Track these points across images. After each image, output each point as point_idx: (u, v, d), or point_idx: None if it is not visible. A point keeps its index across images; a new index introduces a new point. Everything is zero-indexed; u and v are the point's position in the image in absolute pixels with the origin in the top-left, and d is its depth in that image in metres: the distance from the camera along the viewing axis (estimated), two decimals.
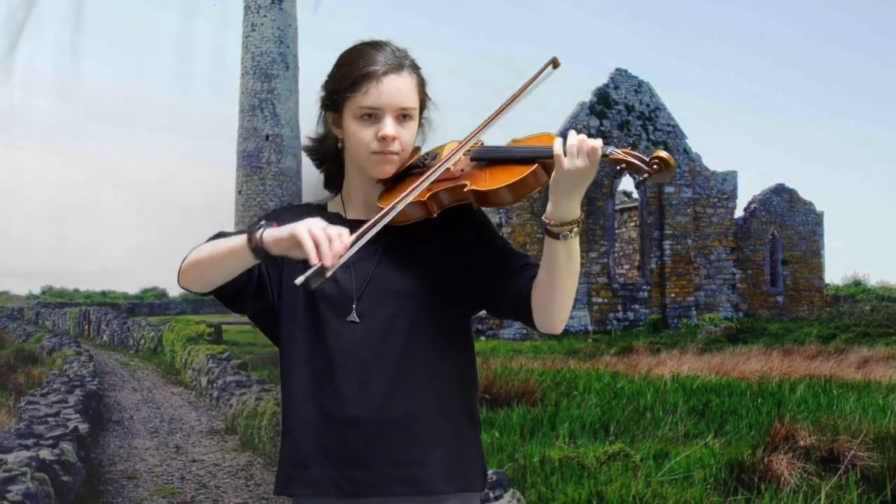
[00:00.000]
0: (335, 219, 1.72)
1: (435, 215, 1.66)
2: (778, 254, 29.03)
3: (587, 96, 26.77)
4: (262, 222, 1.53)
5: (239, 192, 43.74)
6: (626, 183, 29.88)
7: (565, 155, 1.54)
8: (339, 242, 1.44)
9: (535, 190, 1.61)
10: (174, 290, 54.64)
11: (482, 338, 23.34)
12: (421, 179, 1.62)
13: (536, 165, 1.59)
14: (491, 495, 4.65)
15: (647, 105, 27.33)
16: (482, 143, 1.69)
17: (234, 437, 9.16)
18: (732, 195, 28.32)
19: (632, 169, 1.55)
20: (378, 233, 1.61)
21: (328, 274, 1.42)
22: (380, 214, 1.58)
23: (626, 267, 29.56)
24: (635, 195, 28.90)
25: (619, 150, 1.55)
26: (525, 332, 23.59)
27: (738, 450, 5.89)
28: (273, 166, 43.38)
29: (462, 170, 1.67)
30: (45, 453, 5.89)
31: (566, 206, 1.56)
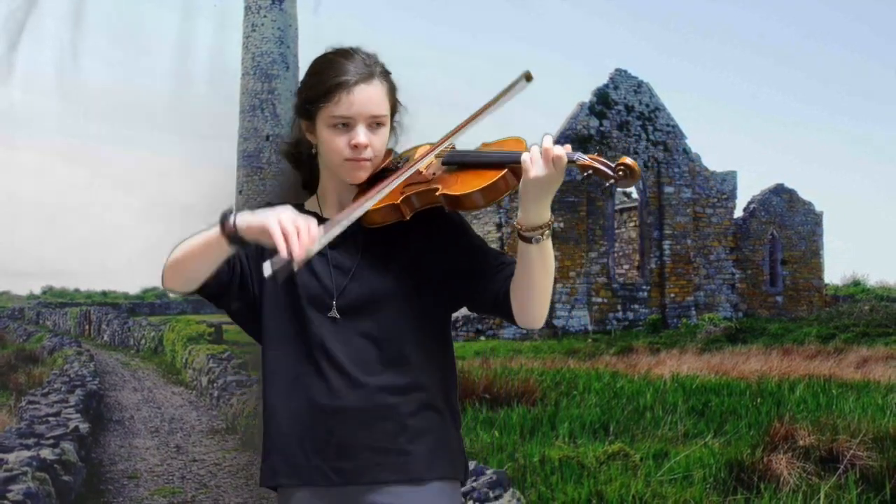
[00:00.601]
0: (312, 217, 1.78)
1: (408, 218, 1.71)
2: (777, 254, 29.04)
3: (587, 96, 26.79)
4: (232, 207, 1.57)
5: (240, 193, 43.73)
6: None
7: (531, 163, 1.57)
8: (307, 235, 1.48)
9: (506, 194, 1.65)
10: None
11: (482, 338, 23.34)
12: (391, 179, 1.67)
13: (506, 170, 1.63)
14: (491, 495, 4.66)
15: (647, 105, 27.33)
16: (454, 147, 1.73)
17: (235, 437, 9.18)
18: (732, 195, 28.32)
19: (598, 174, 1.58)
20: (357, 232, 1.69)
21: (296, 266, 1.45)
22: (349, 209, 1.63)
23: (626, 267, 29.56)
24: (635, 195, 28.91)
25: (585, 157, 1.58)
26: (525, 331, 23.58)
27: (738, 449, 5.89)
28: (273, 166, 43.36)
29: (434, 173, 1.71)
30: (46, 453, 5.90)
31: (536, 211, 1.60)
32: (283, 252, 1.45)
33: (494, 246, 1.85)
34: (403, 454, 1.68)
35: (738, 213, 28.74)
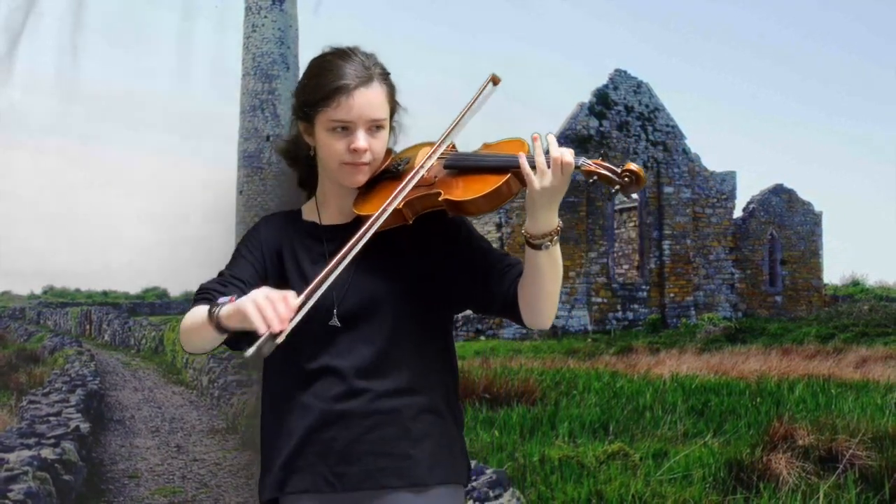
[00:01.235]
0: (310, 228, 1.79)
1: (410, 222, 1.69)
2: (777, 254, 29.04)
3: (586, 97, 26.79)
4: (221, 300, 1.54)
5: (240, 193, 43.74)
6: None
7: (535, 173, 1.55)
8: (284, 306, 1.45)
9: (509, 199, 1.63)
10: (175, 290, 54.66)
11: (482, 337, 23.35)
12: (389, 200, 1.64)
13: (510, 175, 1.60)
14: (491, 494, 4.67)
15: (647, 105, 27.34)
16: (454, 148, 1.70)
17: (235, 437, 9.19)
18: (731, 195, 28.32)
19: (603, 180, 1.56)
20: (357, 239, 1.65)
21: (280, 339, 1.44)
22: (333, 262, 1.58)
23: (626, 267, 29.57)
24: (634, 196, 28.91)
25: (590, 162, 1.56)
26: (525, 331, 23.60)
27: (737, 449, 5.90)
28: (274, 167, 43.35)
29: (435, 176, 1.68)
30: (47, 452, 5.91)
31: (544, 219, 1.59)
32: (262, 329, 1.43)
33: (494, 246, 1.81)
34: (406, 459, 1.67)
35: (738, 213, 28.76)
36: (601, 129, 26.22)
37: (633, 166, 1.53)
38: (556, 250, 1.63)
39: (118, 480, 7.16)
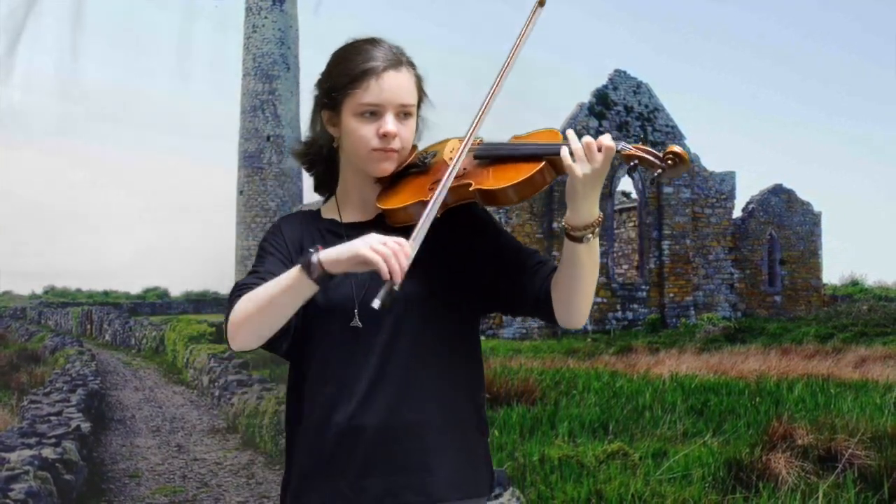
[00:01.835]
0: (330, 225, 1.73)
1: (440, 215, 1.59)
2: (776, 254, 29.06)
3: (586, 97, 26.81)
4: (311, 250, 1.47)
5: (240, 193, 43.76)
6: (626, 183, 29.93)
7: (574, 161, 1.49)
8: (403, 254, 1.40)
9: (543, 188, 1.55)
10: (175, 290, 54.67)
11: (482, 337, 23.35)
12: (444, 175, 1.56)
13: (544, 163, 1.53)
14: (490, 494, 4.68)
15: (646, 106, 27.36)
16: (482, 140, 1.63)
17: (236, 436, 9.20)
18: (731, 195, 28.34)
19: (645, 164, 1.49)
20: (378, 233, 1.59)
21: (397, 287, 1.39)
22: (426, 212, 1.51)
23: (625, 267, 29.59)
24: (634, 195, 28.93)
25: (630, 146, 1.49)
26: (524, 331, 23.63)
27: (737, 448, 5.91)
28: (274, 167, 43.39)
29: (465, 168, 1.61)
30: (48, 452, 5.92)
31: (586, 209, 1.52)
32: (386, 276, 1.38)
33: None
34: (426, 473, 1.60)
35: (737, 213, 28.77)
36: (601, 129, 26.21)
37: (676, 148, 1.47)
38: (596, 244, 1.55)
39: (119, 480, 7.17)
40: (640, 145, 1.49)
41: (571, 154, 1.50)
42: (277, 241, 1.71)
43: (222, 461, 7.91)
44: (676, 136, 27.71)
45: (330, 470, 1.61)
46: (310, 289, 1.48)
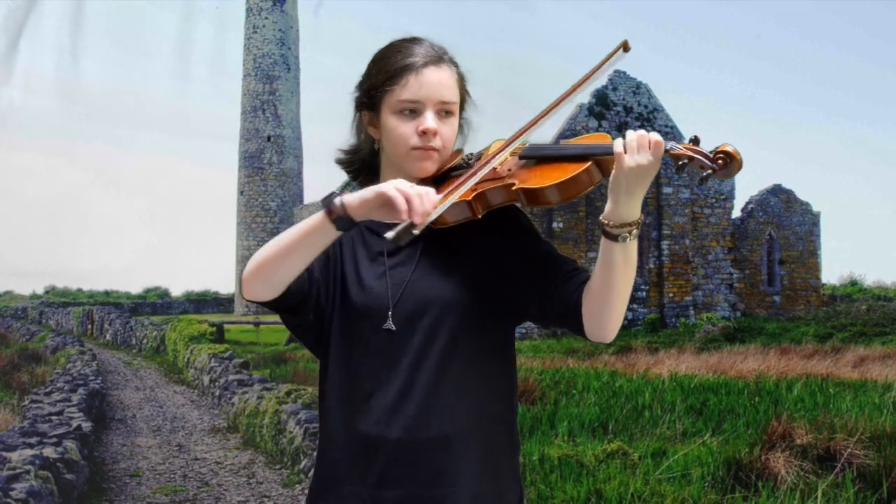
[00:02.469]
0: (370, 223, 1.63)
1: (480, 216, 1.54)
2: (775, 254, 29.07)
3: (586, 98, 26.79)
4: (335, 191, 1.42)
5: (241, 193, 43.78)
6: None
7: (625, 152, 1.44)
8: (428, 200, 1.36)
9: (589, 189, 1.50)
10: (176, 290, 54.78)
11: None
12: (474, 170, 1.52)
13: (590, 163, 1.48)
14: None
15: (646, 106, 27.38)
16: (527, 144, 1.57)
17: (236, 436, 9.22)
18: (730, 196, 28.35)
19: (694, 165, 1.43)
20: (417, 236, 1.56)
21: (416, 231, 1.34)
22: (466, 175, 1.48)
23: None
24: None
25: (680, 146, 1.45)
26: (524, 330, 23.63)
27: (736, 448, 5.93)
28: (275, 167, 43.41)
29: (509, 169, 1.55)
30: (49, 451, 5.93)
31: (628, 205, 1.46)
32: (405, 216, 1.33)
33: None
34: (448, 486, 1.53)
35: (736, 213, 28.78)
36: (600, 129, 26.23)
37: (728, 147, 1.40)
38: (633, 248, 1.48)
39: (120, 479, 7.18)
40: (689, 145, 1.44)
41: (624, 147, 1.45)
42: None
43: (223, 461, 7.92)
44: (676, 136, 27.72)
45: (353, 478, 1.56)
46: (330, 234, 1.42)
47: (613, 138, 1.49)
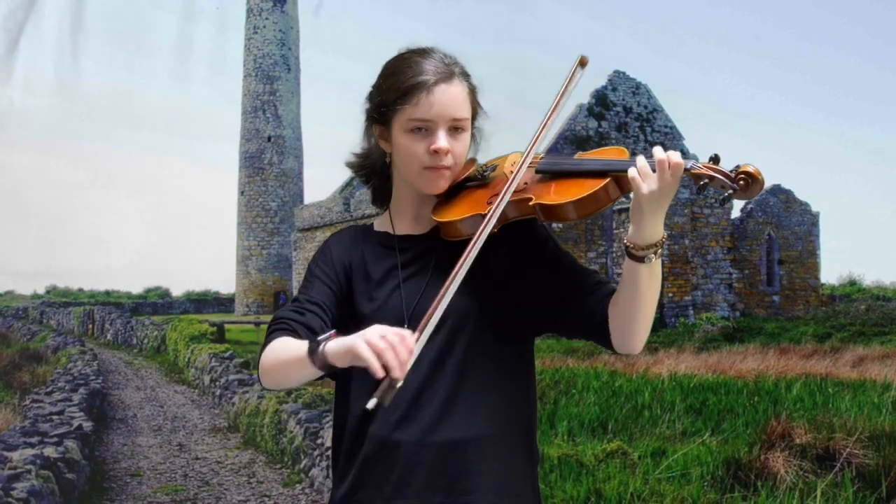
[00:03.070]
0: (384, 238, 1.66)
1: (497, 230, 1.52)
2: (774, 254, 29.08)
3: (585, 98, 26.81)
4: (325, 335, 1.38)
5: (241, 193, 43.80)
6: None
7: (642, 177, 1.42)
8: (403, 348, 1.29)
9: (607, 206, 1.47)
10: (177, 290, 54.81)
11: None
12: (507, 185, 1.50)
13: (609, 179, 1.46)
14: None
15: (645, 107, 27.39)
16: (543, 156, 1.56)
17: (237, 435, 9.23)
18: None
19: (715, 185, 1.39)
20: (433, 246, 1.54)
21: (399, 384, 1.28)
22: (446, 285, 1.42)
23: None
24: (632, 195, 28.90)
25: (700, 164, 1.41)
26: None
27: (735, 447, 5.94)
28: (275, 167, 43.43)
29: (526, 183, 1.54)
30: (50, 451, 5.95)
31: (650, 228, 1.43)
32: (379, 373, 1.26)
33: None
34: (464, 495, 1.51)
35: (736, 213, 28.80)
36: (600, 130, 26.26)
37: (749, 168, 1.36)
38: (658, 265, 1.47)
39: (121, 479, 7.20)
40: (710, 164, 1.40)
41: (638, 170, 1.43)
42: (325, 262, 1.66)
43: (223, 460, 7.93)
44: (675, 136, 27.74)
45: (368, 485, 1.54)
46: (314, 371, 1.41)
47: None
